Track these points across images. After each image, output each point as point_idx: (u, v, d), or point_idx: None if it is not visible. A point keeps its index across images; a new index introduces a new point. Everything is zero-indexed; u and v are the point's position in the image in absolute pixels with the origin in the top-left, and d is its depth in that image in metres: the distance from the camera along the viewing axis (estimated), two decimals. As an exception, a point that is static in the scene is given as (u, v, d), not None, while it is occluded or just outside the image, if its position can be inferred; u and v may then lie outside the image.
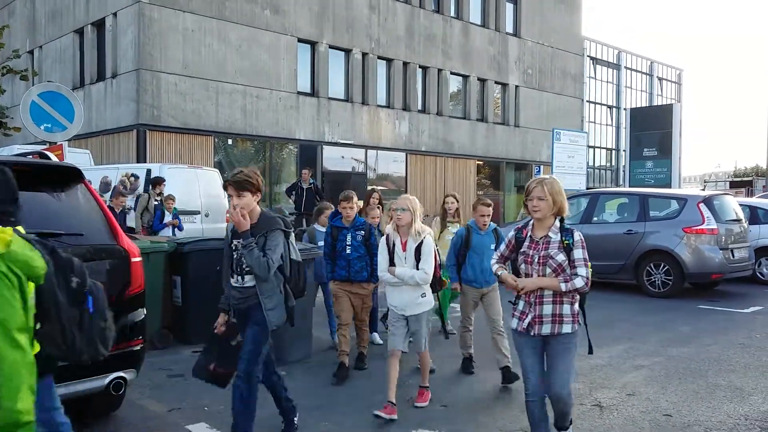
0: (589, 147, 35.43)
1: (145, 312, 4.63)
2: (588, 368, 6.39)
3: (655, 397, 5.54)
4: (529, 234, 3.96)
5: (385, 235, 5.32)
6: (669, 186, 25.23)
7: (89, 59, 20.13)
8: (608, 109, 44.41)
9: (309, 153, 21.14)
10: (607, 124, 44.49)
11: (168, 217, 11.43)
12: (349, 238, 6.20)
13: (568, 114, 30.65)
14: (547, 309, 3.85)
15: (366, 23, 22.52)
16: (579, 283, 3.78)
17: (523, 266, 3.92)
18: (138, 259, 4.55)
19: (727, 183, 37.61)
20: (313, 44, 21.17)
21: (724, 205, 11.43)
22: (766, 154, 33.17)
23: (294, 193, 16.05)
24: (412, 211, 5.05)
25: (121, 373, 4.24)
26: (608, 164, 45.06)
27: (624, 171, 30.59)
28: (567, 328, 3.86)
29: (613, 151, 44.91)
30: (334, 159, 21.85)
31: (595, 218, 12.07)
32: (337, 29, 21.66)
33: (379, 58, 23.04)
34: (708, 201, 11.03)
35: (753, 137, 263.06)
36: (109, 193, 12.95)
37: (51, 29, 21.94)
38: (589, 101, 41.01)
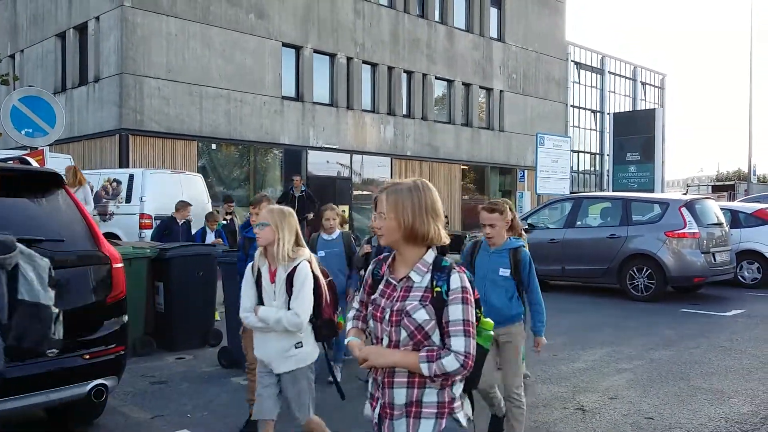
0: (573, 151, 35.63)
1: (127, 318, 4.59)
2: (571, 372, 6.42)
3: (637, 400, 5.57)
4: (386, 271, 2.47)
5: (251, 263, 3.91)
6: (652, 190, 25.43)
7: (71, 63, 19.99)
8: (592, 114, 44.68)
9: (294, 158, 21.11)
10: (591, 129, 44.76)
11: (210, 237, 10.28)
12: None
13: (552, 118, 30.86)
14: (400, 395, 2.36)
15: (351, 28, 22.55)
16: (450, 364, 2.24)
17: (371, 323, 2.46)
18: (119, 265, 4.52)
19: (710, 187, 37.99)
20: (297, 49, 21.16)
21: (706, 209, 11.54)
22: (748, 158, 33.55)
23: (284, 202, 15.49)
24: (275, 226, 3.66)
25: (102, 380, 4.20)
26: (592, 168, 45.32)
27: (607, 175, 30.81)
28: (427, 427, 2.33)
29: (597, 156, 45.17)
30: (318, 164, 21.83)
31: (578, 223, 12.14)
32: (321, 34, 21.67)
33: (364, 62, 23.08)
34: (690, 205, 11.13)
35: (735, 142, 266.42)
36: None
37: (33, 33, 21.76)
38: (573, 106, 41.25)
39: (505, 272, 4.36)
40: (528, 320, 4.52)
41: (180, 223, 9.92)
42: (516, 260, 4.39)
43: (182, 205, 10.22)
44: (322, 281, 3.80)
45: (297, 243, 3.72)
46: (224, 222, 11.26)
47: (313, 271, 3.71)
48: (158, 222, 10.67)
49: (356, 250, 6.42)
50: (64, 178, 4.56)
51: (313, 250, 5.73)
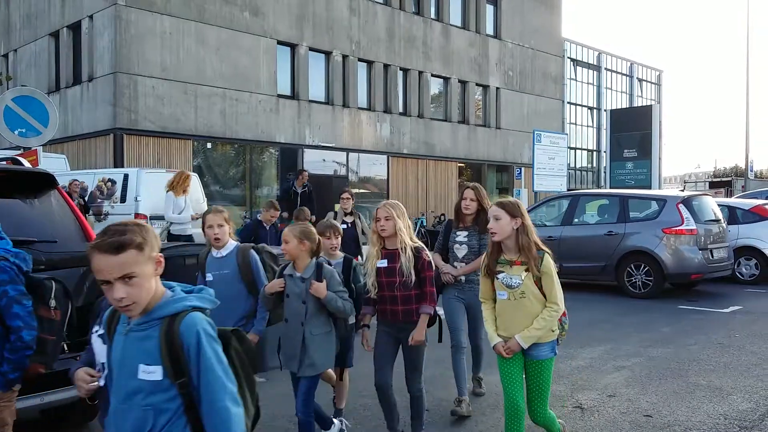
0: (570, 148, 35.67)
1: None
2: (569, 370, 6.39)
3: (635, 397, 5.55)
4: None
5: None
6: (649, 187, 25.43)
7: (65, 63, 19.91)
8: (589, 111, 44.72)
9: (290, 156, 21.06)
10: (587, 126, 44.80)
11: None
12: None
13: (549, 115, 30.85)
14: None
15: (346, 25, 22.50)
16: None
17: None
18: (113, 265, 4.46)
19: (707, 183, 38.03)
20: (292, 46, 21.10)
21: (703, 205, 11.52)
22: (745, 155, 33.55)
23: (285, 200, 14.57)
24: None
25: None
26: (589, 165, 45.37)
27: (605, 172, 30.85)
28: None
29: (594, 153, 45.23)
30: (315, 162, 21.78)
31: (576, 220, 12.10)
32: (317, 31, 21.61)
33: (360, 60, 23.03)
34: (687, 201, 11.10)
35: (732, 138, 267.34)
36: (86, 197, 12.74)
37: (26, 32, 21.67)
38: (569, 103, 41.29)
39: (150, 373, 1.97)
40: None
41: (268, 227, 8.56)
42: (171, 344, 1.95)
43: (267, 206, 8.74)
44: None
45: None
46: (344, 226, 10.34)
47: None
48: (245, 224, 9.50)
49: (262, 276, 4.41)
50: (57, 179, 4.51)
51: (203, 271, 4.41)
